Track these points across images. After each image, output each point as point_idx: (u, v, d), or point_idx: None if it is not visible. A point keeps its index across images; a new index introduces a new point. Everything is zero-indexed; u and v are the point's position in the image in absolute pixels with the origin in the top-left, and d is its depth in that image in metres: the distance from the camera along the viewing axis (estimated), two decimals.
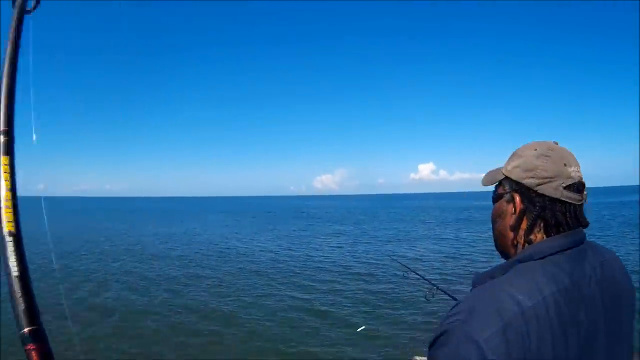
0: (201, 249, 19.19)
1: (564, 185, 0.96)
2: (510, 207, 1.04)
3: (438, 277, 11.65)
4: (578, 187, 0.97)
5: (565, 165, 0.97)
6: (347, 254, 16.78)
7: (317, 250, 18.14)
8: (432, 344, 0.86)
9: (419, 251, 17.02)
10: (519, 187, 1.02)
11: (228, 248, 19.67)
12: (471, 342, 0.79)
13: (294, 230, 27.92)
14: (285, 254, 17.14)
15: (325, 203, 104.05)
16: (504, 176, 1.06)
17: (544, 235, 0.98)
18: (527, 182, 0.99)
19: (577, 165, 1.00)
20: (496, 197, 1.09)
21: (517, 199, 1.01)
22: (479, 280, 0.97)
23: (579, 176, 0.98)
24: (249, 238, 23.82)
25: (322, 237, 23.16)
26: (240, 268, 14.08)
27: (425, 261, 14.44)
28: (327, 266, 13.99)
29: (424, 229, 28.05)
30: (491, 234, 1.16)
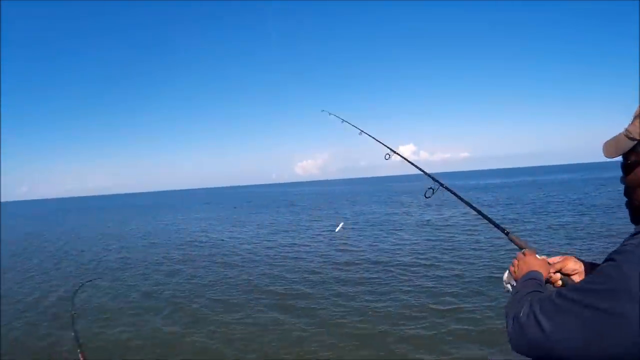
0: (178, 245, 18.36)
1: None
2: None
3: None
4: None
5: None
6: (329, 243, 16.10)
7: (298, 240, 17.44)
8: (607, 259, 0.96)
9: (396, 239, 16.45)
10: None
11: (206, 242, 18.86)
12: (638, 264, 0.88)
13: (274, 221, 27.15)
14: (264, 246, 16.37)
15: (307, 190, 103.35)
16: (636, 141, 1.04)
17: None
18: None
19: None
20: (629, 166, 1.08)
21: None
22: None
23: None
24: (228, 231, 23.05)
25: (302, 226, 22.47)
26: (220, 264, 13.33)
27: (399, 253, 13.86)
28: (309, 257, 13.31)
29: (403, 211, 27.62)
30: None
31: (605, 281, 0.91)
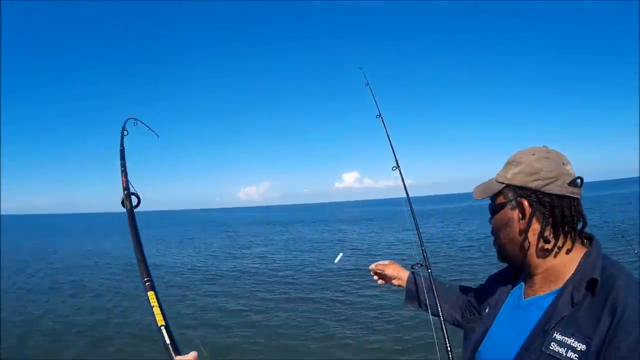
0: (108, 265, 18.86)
1: (567, 182, 1.05)
2: (517, 213, 1.10)
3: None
4: (576, 182, 1.06)
5: (563, 164, 1.07)
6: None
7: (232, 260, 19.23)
8: None
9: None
10: (524, 191, 1.08)
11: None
12: None
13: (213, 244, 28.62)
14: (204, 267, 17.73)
15: (248, 215, 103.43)
16: (503, 185, 1.12)
17: (552, 233, 1.06)
18: (534, 184, 1.06)
19: (570, 163, 1.09)
20: (496, 207, 1.14)
21: (525, 203, 1.07)
22: (616, 270, 1.00)
23: (574, 172, 1.07)
24: (178, 252, 23.99)
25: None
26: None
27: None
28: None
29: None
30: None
31: None
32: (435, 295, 1.62)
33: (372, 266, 1.88)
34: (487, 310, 1.25)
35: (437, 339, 1.64)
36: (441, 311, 1.59)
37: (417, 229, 2.00)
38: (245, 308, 10.49)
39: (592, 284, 0.97)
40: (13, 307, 11.47)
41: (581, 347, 0.92)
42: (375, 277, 1.89)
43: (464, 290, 1.59)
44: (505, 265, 1.26)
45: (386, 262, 1.87)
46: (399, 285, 1.81)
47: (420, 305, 1.71)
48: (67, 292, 13.47)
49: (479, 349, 1.19)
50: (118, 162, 1.74)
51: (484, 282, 1.44)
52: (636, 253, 3.78)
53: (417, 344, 7.34)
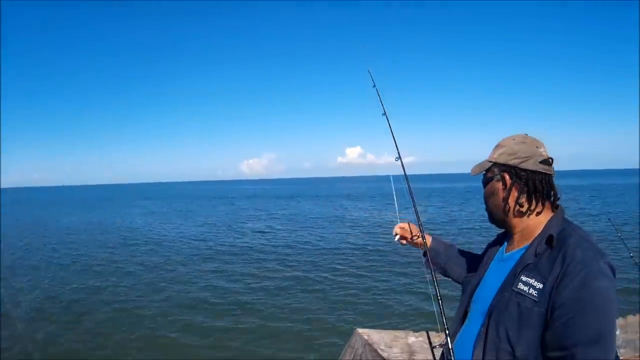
0: (122, 240, 19.32)
1: (539, 160, 1.38)
2: (500, 184, 1.42)
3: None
4: (548, 161, 1.39)
5: (537, 147, 1.40)
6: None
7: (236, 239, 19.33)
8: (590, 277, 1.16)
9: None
10: (506, 167, 1.41)
11: (154, 238, 19.81)
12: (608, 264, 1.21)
13: (217, 218, 28.75)
14: (214, 243, 17.99)
15: (251, 188, 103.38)
16: (491, 163, 1.45)
17: (527, 199, 1.39)
18: (512, 162, 1.39)
19: (545, 147, 1.42)
20: (486, 180, 1.48)
21: (507, 176, 1.40)
22: (572, 230, 1.30)
23: (547, 154, 1.40)
24: (176, 227, 24.21)
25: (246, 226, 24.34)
26: (181, 260, 14.27)
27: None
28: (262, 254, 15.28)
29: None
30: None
31: None
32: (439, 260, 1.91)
33: (397, 231, 1.95)
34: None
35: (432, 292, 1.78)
36: (450, 273, 1.88)
37: (415, 207, 2.12)
38: (241, 289, 10.48)
39: (550, 239, 1.29)
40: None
41: (539, 285, 1.23)
42: (398, 239, 1.99)
43: (472, 255, 1.92)
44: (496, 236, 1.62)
45: (404, 225, 1.96)
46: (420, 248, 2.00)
47: (442, 272, 1.93)
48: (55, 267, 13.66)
49: (474, 296, 1.52)
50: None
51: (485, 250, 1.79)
52: (620, 236, 3.81)
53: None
